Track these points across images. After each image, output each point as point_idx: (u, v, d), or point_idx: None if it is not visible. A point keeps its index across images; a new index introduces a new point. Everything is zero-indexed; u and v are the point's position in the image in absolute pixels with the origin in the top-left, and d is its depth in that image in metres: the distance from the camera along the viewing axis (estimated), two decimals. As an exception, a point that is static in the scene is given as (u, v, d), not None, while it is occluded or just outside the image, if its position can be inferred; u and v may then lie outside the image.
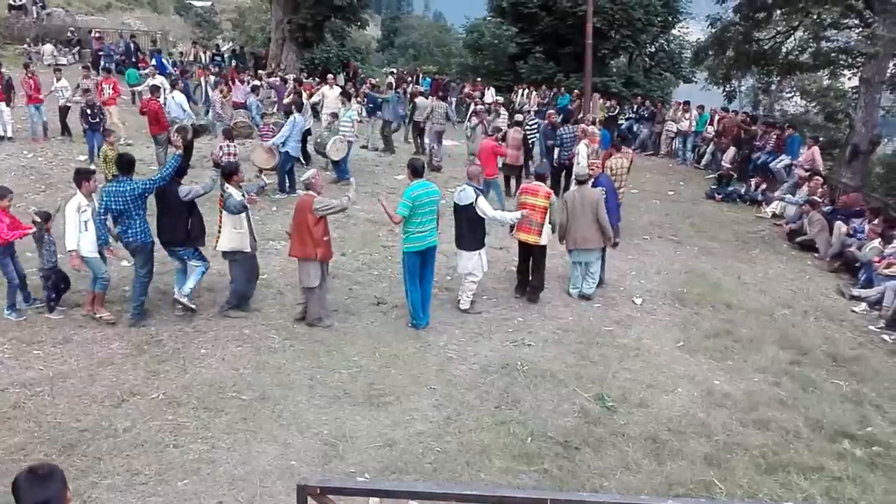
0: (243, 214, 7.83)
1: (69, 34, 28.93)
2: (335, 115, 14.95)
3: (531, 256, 9.07)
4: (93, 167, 12.05)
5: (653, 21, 27.36)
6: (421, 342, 7.84)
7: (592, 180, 9.68)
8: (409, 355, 7.52)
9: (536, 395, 6.84)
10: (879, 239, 10.73)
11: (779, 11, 19.09)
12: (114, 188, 7.60)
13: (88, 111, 13.89)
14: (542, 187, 8.84)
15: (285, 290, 8.85)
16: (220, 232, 7.93)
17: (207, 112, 17.61)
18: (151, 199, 7.83)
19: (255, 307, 8.38)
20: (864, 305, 9.87)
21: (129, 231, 7.64)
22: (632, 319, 8.83)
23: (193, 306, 8.08)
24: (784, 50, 21.12)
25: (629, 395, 6.94)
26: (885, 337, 8.94)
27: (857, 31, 18.10)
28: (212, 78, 20.03)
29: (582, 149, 12.45)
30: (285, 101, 16.95)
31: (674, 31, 30.77)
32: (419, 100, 17.89)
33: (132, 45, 25.85)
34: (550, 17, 27.52)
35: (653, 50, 30.92)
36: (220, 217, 7.92)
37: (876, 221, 11.20)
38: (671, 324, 8.78)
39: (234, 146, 12.18)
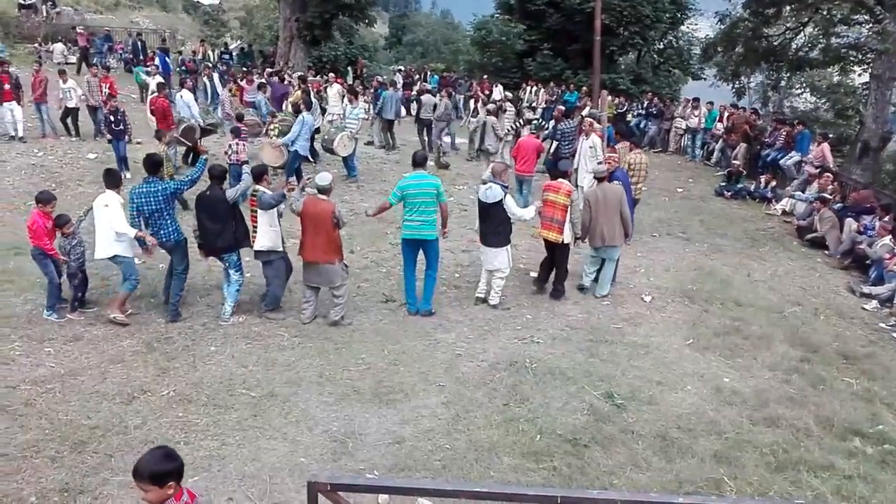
0: (275, 211, 7.86)
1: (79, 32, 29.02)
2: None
3: (554, 254, 9.10)
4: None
5: (661, 17, 27.20)
6: (429, 339, 7.85)
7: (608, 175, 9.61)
8: (418, 353, 7.53)
9: (545, 392, 6.83)
10: (890, 236, 10.67)
11: (788, 7, 19.04)
12: (144, 189, 7.65)
13: (112, 118, 13.45)
14: (563, 184, 8.85)
15: (294, 288, 8.85)
16: (255, 232, 7.93)
17: (215, 109, 17.66)
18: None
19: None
20: (874, 303, 9.81)
21: (162, 231, 7.72)
22: (641, 317, 8.80)
23: (241, 319, 8.13)
24: (794, 46, 21.06)
25: (638, 392, 6.93)
26: (896, 334, 8.90)
27: (867, 27, 18.02)
28: (215, 75, 20.03)
29: (596, 141, 12.39)
30: (290, 99, 17.02)
31: (682, 28, 30.53)
32: (425, 97, 17.91)
33: (139, 44, 25.97)
34: (558, 13, 27.40)
35: (661, 47, 30.71)
36: (254, 218, 7.91)
37: (887, 218, 11.13)
38: (680, 321, 8.75)
39: (243, 144, 12.19)
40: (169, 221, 7.72)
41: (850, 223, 11.76)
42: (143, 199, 7.60)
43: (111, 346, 7.31)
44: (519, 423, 6.27)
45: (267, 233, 7.86)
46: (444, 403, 6.58)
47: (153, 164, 7.85)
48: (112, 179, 7.81)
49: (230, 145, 12.14)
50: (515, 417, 6.38)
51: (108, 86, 16.15)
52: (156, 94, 15.25)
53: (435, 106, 16.92)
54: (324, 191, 7.83)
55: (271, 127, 14.12)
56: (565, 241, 8.81)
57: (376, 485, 4.31)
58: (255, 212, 7.88)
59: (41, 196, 7.96)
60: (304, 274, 8.07)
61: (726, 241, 12.26)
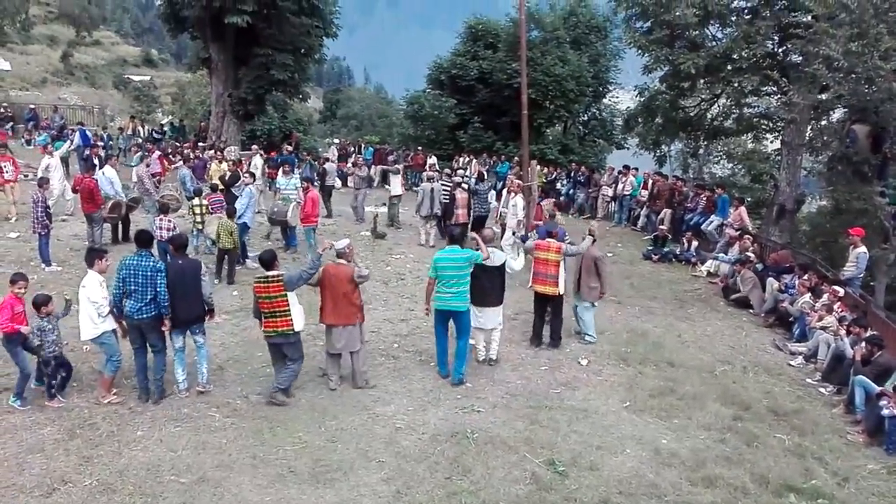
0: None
1: (1, 110, 28.41)
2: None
3: (549, 306, 9.83)
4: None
5: (584, 91, 28.43)
6: (368, 413, 7.70)
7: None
8: (356, 428, 7.36)
9: (487, 463, 6.75)
10: (810, 293, 11.16)
11: (702, 80, 20.14)
12: (133, 262, 7.49)
13: (41, 210, 11.96)
14: (552, 243, 9.55)
15: (226, 366, 8.62)
16: (281, 317, 7.63)
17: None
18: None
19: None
20: (800, 359, 10.16)
21: (144, 307, 7.45)
22: (578, 381, 8.88)
23: (210, 387, 8.04)
24: (709, 116, 22.28)
25: (579, 458, 6.92)
26: (822, 389, 9.21)
27: (775, 98, 19.20)
28: (156, 153, 19.83)
29: (518, 201, 14.15)
30: (214, 175, 17.16)
31: (605, 101, 31.99)
32: (328, 165, 19.28)
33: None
34: (487, 89, 28.36)
35: (586, 118, 32.07)
36: (281, 304, 7.60)
37: (806, 276, 11.66)
38: (616, 384, 8.85)
39: (170, 220, 11.92)
40: (150, 299, 7.43)
41: (772, 282, 12.26)
42: (130, 272, 7.41)
43: (31, 435, 6.90)
44: (462, 497, 6.16)
45: (299, 313, 7.77)
46: (384, 480, 6.41)
47: (145, 240, 7.78)
48: (88, 259, 7.65)
49: (157, 221, 11.84)
50: (458, 490, 6.26)
51: (10, 163, 15.33)
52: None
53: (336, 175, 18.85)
54: (342, 255, 8.12)
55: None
56: (561, 293, 9.58)
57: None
58: (283, 297, 7.58)
59: (13, 277, 7.66)
60: (327, 341, 8.21)
61: (656, 303, 12.59)
